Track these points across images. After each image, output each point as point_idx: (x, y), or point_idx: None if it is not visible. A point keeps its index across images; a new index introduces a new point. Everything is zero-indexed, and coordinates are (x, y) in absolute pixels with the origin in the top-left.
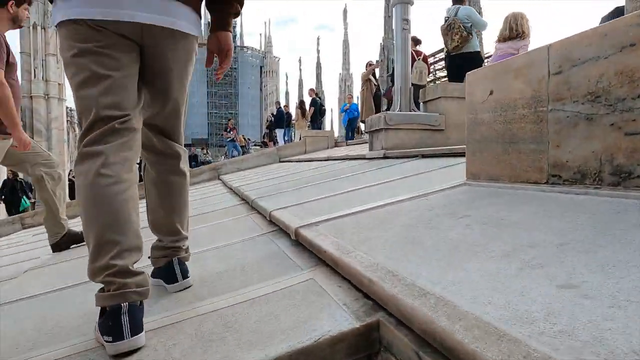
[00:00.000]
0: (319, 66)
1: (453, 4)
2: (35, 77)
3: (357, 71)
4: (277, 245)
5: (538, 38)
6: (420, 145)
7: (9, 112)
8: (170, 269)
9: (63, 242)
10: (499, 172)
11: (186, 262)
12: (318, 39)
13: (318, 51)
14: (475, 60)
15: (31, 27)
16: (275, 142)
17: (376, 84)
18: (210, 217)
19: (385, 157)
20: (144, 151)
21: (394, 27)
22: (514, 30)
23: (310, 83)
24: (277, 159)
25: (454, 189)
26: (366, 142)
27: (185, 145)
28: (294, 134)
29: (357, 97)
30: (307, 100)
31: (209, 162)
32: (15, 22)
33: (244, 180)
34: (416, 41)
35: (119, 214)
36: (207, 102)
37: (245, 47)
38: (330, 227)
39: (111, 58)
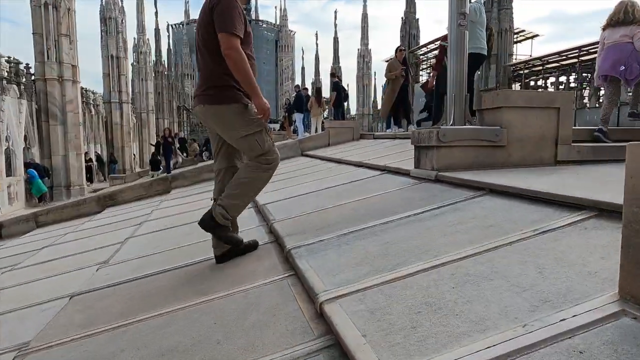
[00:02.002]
0: (336, 41)
1: None
2: (48, 58)
3: (376, 48)
4: None
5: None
6: (475, 165)
7: (248, 77)
8: None
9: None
10: None
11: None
12: (335, 12)
13: (335, 25)
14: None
15: (42, 7)
16: (292, 125)
17: (404, 74)
18: (232, 269)
19: (437, 180)
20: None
21: (447, 24)
22: (630, 14)
23: (327, 58)
24: (299, 152)
25: (612, 325)
26: (396, 137)
27: None
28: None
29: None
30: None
31: None
32: None
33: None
34: None
35: None
36: None
37: (259, 20)
38: None
39: None
